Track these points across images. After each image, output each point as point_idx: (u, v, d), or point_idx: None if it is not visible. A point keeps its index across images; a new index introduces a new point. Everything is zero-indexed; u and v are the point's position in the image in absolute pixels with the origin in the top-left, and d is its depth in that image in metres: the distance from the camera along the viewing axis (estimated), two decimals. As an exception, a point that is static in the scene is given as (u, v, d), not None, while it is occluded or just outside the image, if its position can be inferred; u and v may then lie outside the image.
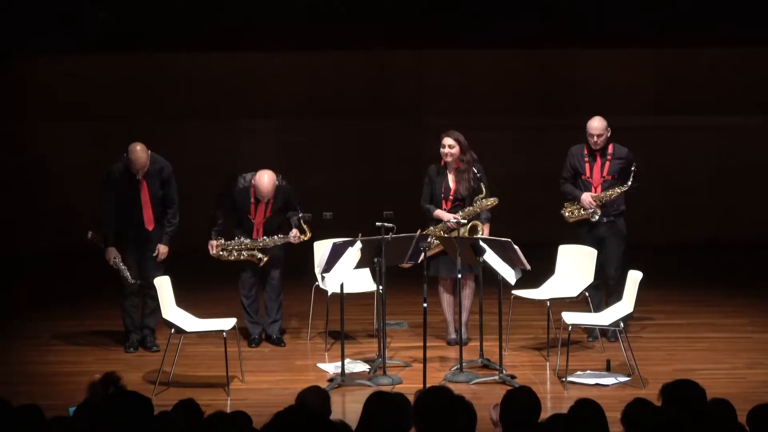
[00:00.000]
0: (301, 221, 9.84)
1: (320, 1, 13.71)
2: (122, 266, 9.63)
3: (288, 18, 13.73)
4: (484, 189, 9.62)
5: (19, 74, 14.27)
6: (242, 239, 9.81)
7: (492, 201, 9.63)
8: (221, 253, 9.82)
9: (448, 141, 9.70)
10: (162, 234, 9.77)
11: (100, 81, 14.22)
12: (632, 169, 9.84)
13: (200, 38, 14.04)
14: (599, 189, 9.92)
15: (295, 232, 9.78)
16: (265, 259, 9.80)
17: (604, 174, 9.91)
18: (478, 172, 9.60)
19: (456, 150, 9.67)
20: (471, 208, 9.65)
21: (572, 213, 10.02)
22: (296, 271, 10.32)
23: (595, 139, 9.87)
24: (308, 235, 9.84)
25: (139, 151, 9.63)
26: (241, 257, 9.82)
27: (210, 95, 14.35)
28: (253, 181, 9.69)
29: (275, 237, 9.81)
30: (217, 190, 10.53)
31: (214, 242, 9.80)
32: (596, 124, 9.90)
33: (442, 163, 9.78)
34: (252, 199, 9.75)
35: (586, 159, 9.96)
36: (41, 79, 14.27)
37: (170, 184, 9.80)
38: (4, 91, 14.18)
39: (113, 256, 9.65)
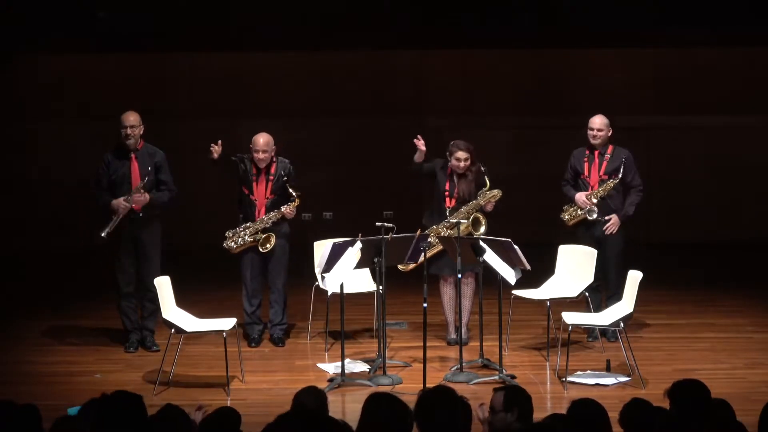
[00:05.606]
0: (288, 187, 9.83)
1: (320, 2, 13.71)
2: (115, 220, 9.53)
3: (288, 18, 13.73)
4: (488, 182, 9.67)
5: (19, 74, 14.27)
6: (245, 224, 9.83)
7: (496, 192, 9.67)
8: (231, 245, 9.80)
9: (462, 155, 9.69)
10: (149, 214, 9.72)
11: (100, 81, 14.21)
12: (623, 159, 9.87)
13: (200, 38, 14.04)
14: (596, 188, 9.93)
15: (286, 207, 9.80)
16: (266, 238, 9.77)
17: (601, 173, 9.91)
18: (483, 166, 9.68)
19: (469, 162, 9.71)
20: (475, 201, 9.69)
21: (571, 215, 10.02)
22: (296, 271, 10.32)
23: (594, 132, 9.88)
24: (297, 201, 9.82)
25: (130, 113, 9.71)
26: (247, 239, 9.78)
27: (210, 95, 14.34)
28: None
29: (270, 213, 9.82)
30: (217, 190, 10.51)
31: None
32: (596, 119, 9.97)
33: (449, 170, 9.79)
34: (254, 171, 9.81)
35: (586, 159, 9.97)
36: (41, 79, 14.27)
37: (163, 170, 9.80)
38: (5, 91, 14.18)
39: (122, 203, 9.56)
